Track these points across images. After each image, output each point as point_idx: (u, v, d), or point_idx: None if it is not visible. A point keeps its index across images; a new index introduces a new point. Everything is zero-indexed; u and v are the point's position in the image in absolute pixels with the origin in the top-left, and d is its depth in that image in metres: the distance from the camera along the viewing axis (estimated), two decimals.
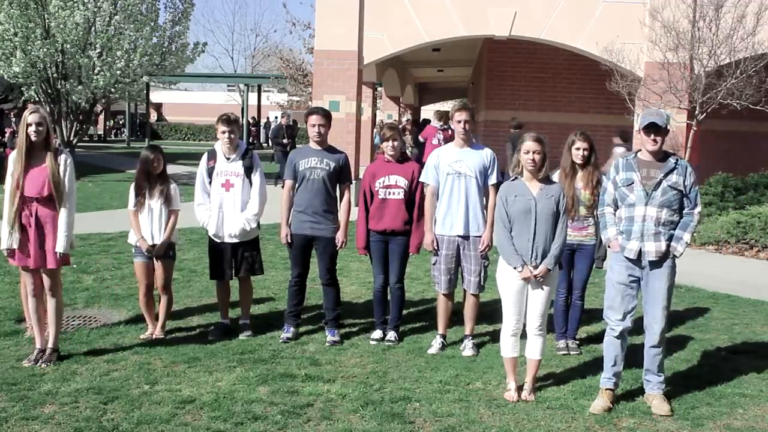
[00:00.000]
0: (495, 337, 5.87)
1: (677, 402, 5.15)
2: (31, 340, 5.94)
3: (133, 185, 6.42)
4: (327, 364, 5.77)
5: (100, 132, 45.67)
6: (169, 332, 6.45)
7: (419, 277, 8.72)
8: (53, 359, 5.60)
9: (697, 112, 12.72)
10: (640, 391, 5.26)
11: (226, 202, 6.40)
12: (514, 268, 5.15)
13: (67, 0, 17.70)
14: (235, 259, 6.48)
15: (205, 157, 6.56)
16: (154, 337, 6.31)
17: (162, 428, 4.53)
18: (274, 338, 6.38)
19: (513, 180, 5.29)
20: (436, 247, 6.18)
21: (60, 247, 5.52)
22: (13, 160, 5.52)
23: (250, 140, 38.08)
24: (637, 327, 5.40)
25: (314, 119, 6.36)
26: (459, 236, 6.12)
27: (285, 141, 19.71)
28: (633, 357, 5.51)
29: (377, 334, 6.44)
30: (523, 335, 5.27)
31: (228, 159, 6.43)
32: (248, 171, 6.42)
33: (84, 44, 18.56)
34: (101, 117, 43.41)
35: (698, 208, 5.10)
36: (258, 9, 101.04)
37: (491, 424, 4.73)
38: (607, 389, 5.11)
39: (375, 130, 21.53)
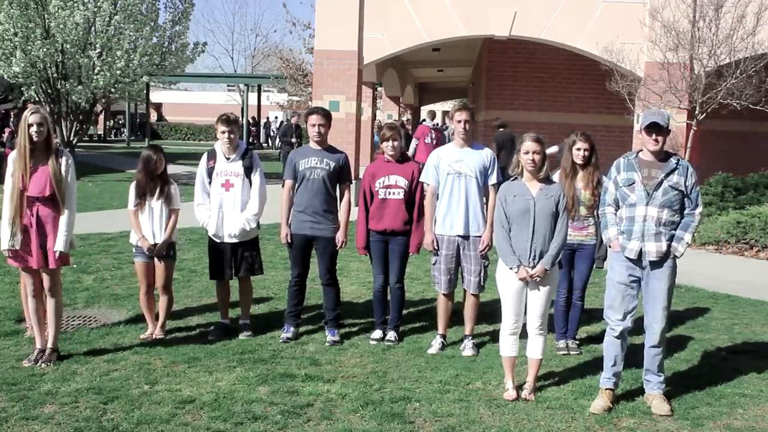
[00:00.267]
0: (495, 337, 5.87)
1: (677, 402, 5.15)
2: (31, 340, 5.94)
3: (133, 185, 6.41)
4: (327, 364, 5.77)
5: (100, 132, 45.60)
6: (169, 332, 6.45)
7: (419, 277, 8.72)
8: (53, 359, 5.60)
9: (697, 112, 12.72)
10: (640, 391, 5.26)
11: (225, 202, 6.40)
12: (510, 268, 5.15)
13: (67, 0, 17.68)
14: (234, 259, 6.48)
15: (204, 157, 6.56)
16: (154, 337, 6.31)
17: (162, 428, 4.53)
18: (274, 338, 6.38)
19: (513, 180, 5.30)
20: (436, 247, 6.18)
21: (59, 246, 5.51)
22: (13, 160, 5.49)
23: (250, 140, 38.11)
24: (638, 327, 5.41)
25: (314, 119, 6.36)
26: (459, 236, 6.12)
27: (294, 140, 19.80)
28: (633, 357, 5.51)
29: (377, 334, 6.44)
30: (524, 335, 5.28)
31: (228, 159, 6.43)
32: (248, 171, 6.42)
33: (84, 44, 18.54)
34: (101, 117, 43.38)
35: (699, 209, 5.10)
36: (258, 9, 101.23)
37: (491, 424, 4.73)
38: (607, 389, 5.11)
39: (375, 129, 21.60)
